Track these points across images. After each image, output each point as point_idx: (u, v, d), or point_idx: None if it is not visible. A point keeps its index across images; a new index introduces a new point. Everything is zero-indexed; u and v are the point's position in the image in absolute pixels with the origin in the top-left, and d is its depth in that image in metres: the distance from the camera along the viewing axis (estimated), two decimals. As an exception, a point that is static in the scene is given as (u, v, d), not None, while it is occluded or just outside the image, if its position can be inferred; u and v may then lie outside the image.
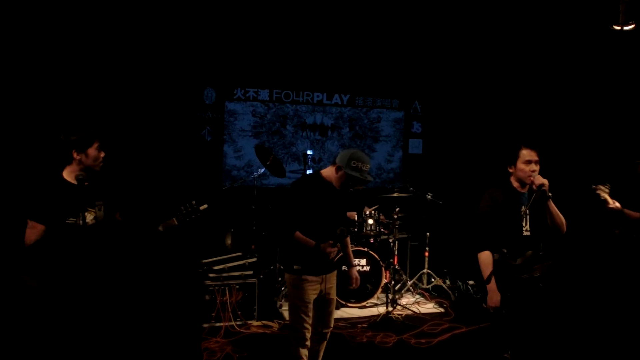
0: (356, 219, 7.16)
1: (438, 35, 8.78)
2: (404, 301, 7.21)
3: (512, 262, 4.01)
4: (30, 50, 6.94)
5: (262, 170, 7.33)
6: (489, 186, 4.34)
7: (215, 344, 5.52)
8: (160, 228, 3.98)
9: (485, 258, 4.07)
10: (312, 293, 4.11)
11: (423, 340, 5.91)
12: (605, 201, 5.27)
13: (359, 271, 6.80)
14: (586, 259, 6.18)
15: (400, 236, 7.61)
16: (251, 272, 6.31)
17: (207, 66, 8.54)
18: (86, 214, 3.75)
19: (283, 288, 6.79)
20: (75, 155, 3.75)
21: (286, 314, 6.37)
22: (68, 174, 3.80)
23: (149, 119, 8.05)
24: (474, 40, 8.74)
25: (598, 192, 5.33)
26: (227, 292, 6.06)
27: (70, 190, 3.75)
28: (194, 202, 4.16)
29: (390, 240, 7.26)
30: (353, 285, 4.53)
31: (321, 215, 4.07)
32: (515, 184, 4.12)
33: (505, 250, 3.85)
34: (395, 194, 7.28)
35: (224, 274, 6.14)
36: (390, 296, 6.83)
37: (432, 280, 7.84)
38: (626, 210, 5.51)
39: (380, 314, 6.64)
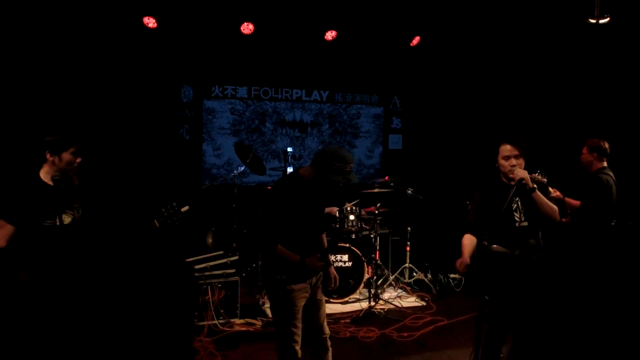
0: (337, 214, 7.17)
1: (416, 31, 8.81)
2: (386, 296, 7.24)
3: (510, 252, 4.04)
4: (9, 50, 6.85)
5: (242, 168, 7.30)
6: (470, 181, 4.38)
7: (198, 343, 5.49)
8: (140, 230, 3.91)
9: (464, 239, 4.14)
10: (301, 301, 3.81)
11: (405, 334, 5.94)
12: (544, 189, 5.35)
13: (341, 267, 6.84)
14: (576, 249, 6.26)
15: (382, 231, 7.63)
16: (233, 271, 6.28)
17: (184, 64, 8.49)
18: (64, 216, 3.69)
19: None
20: (48, 156, 3.70)
21: (269, 312, 6.36)
22: (45, 175, 3.75)
23: (125, 118, 8.00)
24: (452, 36, 8.78)
25: (536, 180, 5.42)
26: (209, 291, 6.02)
27: (46, 191, 3.69)
28: (174, 203, 4.03)
29: (372, 236, 7.27)
30: (332, 285, 4.12)
31: (302, 218, 3.79)
32: (504, 179, 4.16)
33: (485, 243, 3.87)
34: (376, 190, 7.29)
35: (206, 273, 6.10)
36: (373, 291, 6.85)
37: (414, 274, 7.87)
38: (567, 199, 5.61)
39: (363, 308, 6.65)
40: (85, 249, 3.80)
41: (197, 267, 6.10)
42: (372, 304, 6.74)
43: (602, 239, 5.60)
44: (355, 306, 6.87)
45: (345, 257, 7.01)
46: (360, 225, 7.25)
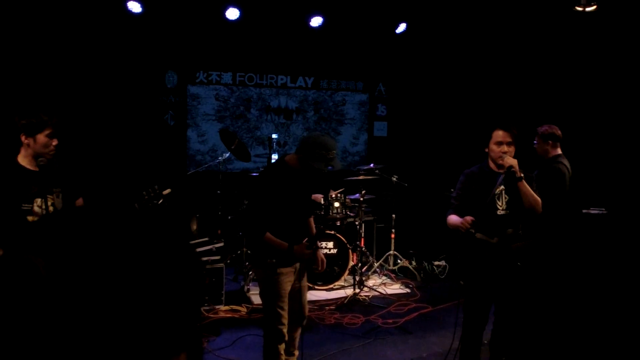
0: (322, 201, 7.16)
1: (402, 18, 8.78)
2: (370, 283, 7.26)
3: (489, 240, 4.05)
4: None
5: (227, 154, 7.26)
6: (455, 168, 4.38)
7: (182, 330, 5.48)
8: (119, 213, 3.83)
9: (451, 218, 4.14)
10: (288, 285, 3.93)
11: (390, 321, 5.97)
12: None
13: (326, 254, 6.83)
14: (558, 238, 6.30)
15: (367, 218, 7.64)
16: (218, 257, 6.25)
17: (168, 49, 8.40)
18: (38, 200, 3.64)
19: (250, 272, 6.76)
20: (23, 139, 3.63)
21: (254, 298, 6.38)
22: (22, 158, 3.69)
23: (109, 104, 7.92)
24: (437, 23, 8.77)
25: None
26: (193, 278, 6.01)
27: (24, 175, 3.64)
28: (156, 186, 3.95)
29: (357, 223, 7.28)
30: (319, 267, 4.25)
31: (289, 205, 3.88)
32: (492, 165, 4.15)
33: (472, 230, 3.87)
34: (361, 177, 7.29)
35: (191, 260, 6.08)
36: (357, 278, 6.87)
37: (398, 261, 7.90)
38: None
39: (348, 295, 6.67)
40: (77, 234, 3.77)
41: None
42: (357, 291, 6.76)
43: (562, 227, 5.62)
44: (340, 293, 6.89)
45: (330, 244, 7.01)
46: (345, 212, 7.25)
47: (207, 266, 6.12)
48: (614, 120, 7.41)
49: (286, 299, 3.94)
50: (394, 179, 7.60)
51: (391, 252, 7.91)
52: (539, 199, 4.00)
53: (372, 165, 7.40)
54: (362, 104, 9.91)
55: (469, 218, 3.86)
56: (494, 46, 8.71)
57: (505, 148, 4.02)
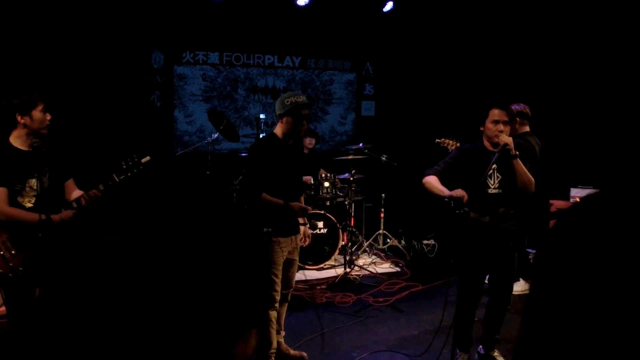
0: (312, 182, 7.15)
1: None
2: (360, 262, 7.29)
3: (480, 218, 4.07)
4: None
5: (216, 135, 7.21)
6: (443, 147, 4.38)
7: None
8: (101, 187, 3.74)
9: (430, 178, 4.16)
10: (282, 254, 4.13)
11: (381, 299, 6.00)
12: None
13: (316, 234, 6.86)
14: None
15: (356, 198, 7.65)
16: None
17: (154, 28, 8.29)
18: (32, 180, 3.62)
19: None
20: (19, 118, 3.62)
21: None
22: (15, 139, 3.67)
23: (95, 85, 7.82)
24: (424, 1, 8.73)
25: (444, 145, 5.45)
26: (184, 259, 6.01)
27: (18, 156, 3.62)
28: (134, 154, 3.82)
29: (346, 202, 7.29)
30: (304, 242, 4.55)
31: (281, 173, 4.09)
32: (486, 143, 4.15)
33: (467, 209, 3.88)
34: (350, 156, 7.28)
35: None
36: (348, 257, 6.89)
37: (388, 240, 7.93)
38: None
39: (339, 275, 6.70)
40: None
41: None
42: (348, 270, 6.78)
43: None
44: (331, 272, 6.92)
45: (320, 224, 7.02)
46: (335, 192, 7.25)
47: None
48: (604, 99, 7.45)
49: (280, 267, 4.14)
50: (383, 158, 7.61)
51: (380, 231, 7.94)
52: (532, 178, 4.01)
53: (361, 144, 7.40)
54: (350, 83, 9.87)
55: (461, 192, 3.87)
56: (482, 24, 8.69)
57: (501, 127, 4.01)
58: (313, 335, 4.99)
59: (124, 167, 3.81)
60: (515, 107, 5.53)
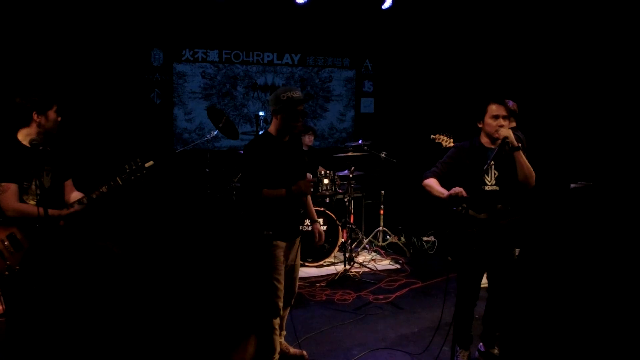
0: (312, 179, 7.14)
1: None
2: (360, 259, 7.30)
3: (476, 215, 4.07)
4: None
5: (215, 132, 7.22)
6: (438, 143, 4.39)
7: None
8: (104, 189, 3.79)
9: (429, 181, 4.16)
10: (283, 259, 4.00)
11: (381, 296, 6.01)
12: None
13: (316, 231, 6.84)
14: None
15: (356, 195, 7.65)
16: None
17: (153, 26, 8.29)
18: (34, 179, 3.64)
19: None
20: (35, 117, 3.66)
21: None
22: (24, 137, 3.68)
23: (95, 82, 7.82)
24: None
25: (439, 140, 5.46)
26: (184, 256, 6.01)
27: (26, 153, 3.64)
28: (138, 159, 3.89)
29: (346, 199, 7.29)
30: (317, 240, 4.39)
31: (280, 172, 3.93)
32: (484, 140, 4.14)
33: (465, 205, 3.87)
34: (349, 153, 7.28)
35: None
36: (347, 254, 6.90)
37: (388, 237, 7.94)
38: None
39: (338, 272, 6.70)
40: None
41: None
42: (347, 267, 6.79)
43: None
44: (331, 270, 6.93)
45: (320, 221, 7.02)
46: (334, 189, 7.25)
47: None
48: (604, 94, 7.45)
49: (282, 272, 3.99)
50: (383, 155, 7.60)
51: (380, 228, 7.94)
52: (533, 171, 4.01)
53: (360, 141, 7.40)
54: (349, 80, 9.87)
55: (458, 189, 3.87)
56: (480, 20, 8.69)
57: (501, 121, 4.01)
58: (312, 333, 5.00)
59: (128, 170, 3.87)
60: None
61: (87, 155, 7.38)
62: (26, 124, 3.67)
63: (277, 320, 4.04)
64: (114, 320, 3.76)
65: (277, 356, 4.11)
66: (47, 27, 7.36)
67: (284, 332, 4.50)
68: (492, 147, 4.07)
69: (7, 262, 3.50)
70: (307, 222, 6.92)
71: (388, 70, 9.98)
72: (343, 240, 7.07)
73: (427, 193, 4.17)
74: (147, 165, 3.91)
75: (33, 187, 3.64)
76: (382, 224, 7.93)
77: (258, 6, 8.56)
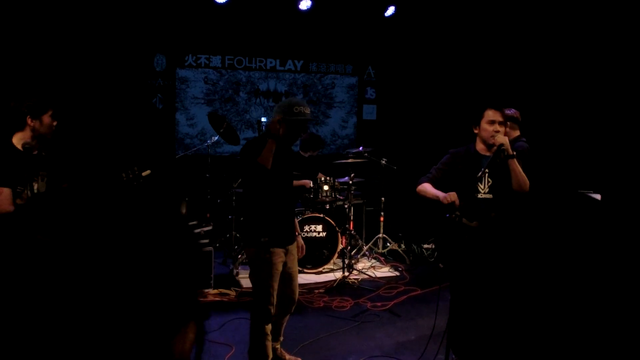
0: (311, 185, 7.15)
1: (390, 1, 8.75)
2: (360, 266, 7.29)
3: (468, 223, 4.06)
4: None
5: (216, 138, 7.24)
6: (443, 151, 4.38)
7: (172, 314, 5.49)
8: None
9: (423, 186, 4.16)
10: (279, 265, 4.00)
11: (379, 304, 6.00)
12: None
13: (315, 237, 6.88)
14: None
15: (356, 202, 7.64)
16: (207, 241, 6.26)
17: (156, 31, 8.32)
18: (34, 183, 3.66)
19: (239, 256, 6.78)
20: (29, 121, 3.68)
21: (243, 282, 6.39)
22: (18, 141, 3.70)
23: (97, 87, 7.85)
24: (427, 5, 8.74)
25: None
26: (182, 261, 5.99)
27: (20, 157, 3.66)
28: (135, 167, 3.94)
29: (346, 206, 7.29)
30: (299, 254, 4.36)
31: (276, 173, 3.93)
32: (479, 146, 4.13)
33: (458, 213, 3.86)
34: (350, 160, 7.28)
35: (179, 243, 6.05)
36: (347, 261, 6.90)
37: (388, 244, 7.93)
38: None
39: (337, 278, 6.69)
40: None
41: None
42: (346, 274, 6.78)
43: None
44: (329, 276, 6.92)
45: (319, 228, 7.03)
46: (334, 195, 7.24)
47: (196, 250, 6.11)
48: (606, 103, 7.43)
49: (277, 279, 4.00)
50: (383, 162, 7.61)
51: (380, 235, 7.93)
52: (527, 179, 4.00)
53: (361, 148, 7.40)
54: (351, 87, 9.89)
55: (454, 196, 3.87)
56: (483, 29, 8.69)
57: (497, 127, 4.00)
58: (309, 340, 4.99)
59: (125, 179, 3.89)
60: (506, 112, 5.54)
61: (88, 160, 7.41)
62: (20, 128, 3.70)
63: (269, 327, 4.05)
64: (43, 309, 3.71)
65: None
66: (50, 31, 7.41)
67: (281, 338, 4.49)
68: (487, 154, 4.06)
69: None
70: (306, 228, 6.96)
71: (391, 77, 9.99)
72: (342, 246, 7.06)
73: (422, 198, 4.17)
74: (144, 174, 3.96)
75: (29, 192, 3.66)
76: (382, 230, 7.93)
77: (261, 12, 8.59)
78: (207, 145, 7.38)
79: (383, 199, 7.88)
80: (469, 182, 3.98)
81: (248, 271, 4.14)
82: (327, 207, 7.30)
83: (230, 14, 8.45)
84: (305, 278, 6.80)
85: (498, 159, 3.95)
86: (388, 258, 7.80)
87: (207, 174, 7.39)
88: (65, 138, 5.13)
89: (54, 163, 3.92)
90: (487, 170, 4.01)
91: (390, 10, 8.83)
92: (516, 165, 3.95)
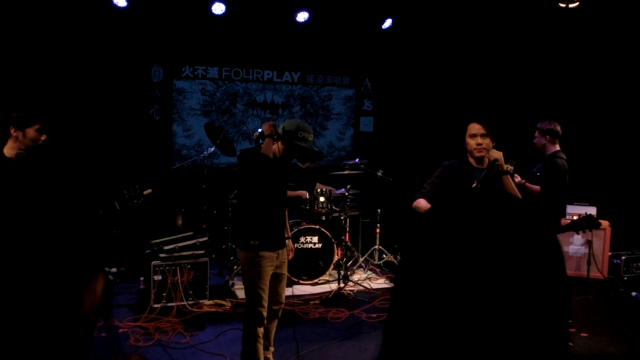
0: (307, 196, 7.15)
1: (388, 13, 8.79)
2: (355, 277, 7.28)
3: None
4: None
5: (212, 149, 7.25)
6: (440, 163, 4.39)
7: (167, 324, 5.47)
8: (101, 213, 3.87)
9: (418, 202, 4.18)
10: (269, 269, 4.08)
11: (374, 315, 5.98)
12: (511, 176, 5.46)
13: (311, 249, 6.87)
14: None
15: (352, 213, 7.65)
16: (202, 252, 6.25)
17: (154, 43, 8.36)
18: None
19: (235, 267, 6.77)
20: (12, 132, 3.69)
21: (239, 293, 6.37)
22: (8, 150, 3.72)
23: (94, 98, 7.87)
24: (423, 18, 8.79)
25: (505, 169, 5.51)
26: (178, 272, 6.00)
27: (8, 167, 3.67)
28: (137, 186, 4.05)
29: (342, 218, 7.28)
30: (288, 256, 4.45)
31: (269, 187, 4.08)
32: (471, 159, 4.14)
33: None
34: (346, 172, 7.29)
35: (175, 254, 6.06)
36: (342, 272, 6.89)
37: (384, 256, 7.93)
38: (527, 184, 5.69)
39: (332, 290, 6.69)
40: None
41: (166, 247, 6.06)
42: (342, 285, 6.77)
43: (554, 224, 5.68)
44: (325, 287, 6.91)
45: (315, 239, 7.02)
46: (331, 207, 7.25)
47: (191, 260, 6.11)
48: (595, 114, 7.48)
49: (267, 282, 4.09)
50: (379, 173, 7.62)
51: (376, 246, 7.93)
52: (520, 195, 4.01)
53: (357, 160, 7.41)
54: (348, 99, 9.92)
55: None
56: (480, 41, 8.74)
57: (479, 140, 3.99)
58: (304, 352, 4.97)
59: (126, 196, 3.98)
60: (544, 123, 5.65)
61: (85, 171, 7.42)
62: (9, 136, 3.73)
63: (261, 329, 4.10)
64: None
65: None
66: (48, 42, 7.44)
67: (272, 348, 4.48)
68: (479, 166, 4.07)
69: None
70: (302, 239, 6.96)
71: (387, 89, 10.04)
72: (338, 258, 7.06)
73: (418, 214, 4.17)
74: (145, 192, 4.08)
75: None
76: (378, 242, 7.93)
77: (258, 24, 8.63)
78: (204, 156, 7.39)
79: (379, 210, 7.88)
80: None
81: (241, 270, 4.25)
82: (323, 219, 7.30)
83: (227, 26, 8.49)
84: (301, 289, 6.79)
85: (492, 172, 3.94)
86: (384, 270, 7.78)
87: (204, 185, 7.39)
88: (61, 148, 5.15)
89: (47, 173, 3.93)
90: (479, 185, 4.01)
91: (388, 23, 8.88)
92: (509, 181, 3.95)
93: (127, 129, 8.21)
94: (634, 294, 6.26)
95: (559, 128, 5.65)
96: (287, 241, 4.44)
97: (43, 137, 3.81)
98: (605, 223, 7.17)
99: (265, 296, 4.08)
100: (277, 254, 4.19)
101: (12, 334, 3.44)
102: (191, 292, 6.07)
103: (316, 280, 7.03)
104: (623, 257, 7.37)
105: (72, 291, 3.76)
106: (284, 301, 4.42)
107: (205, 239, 6.48)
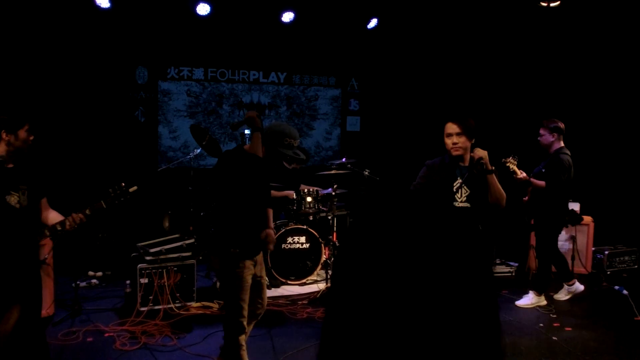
0: (294, 197, 7.15)
1: (373, 13, 8.81)
2: (343, 277, 7.26)
3: None
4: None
5: (199, 150, 7.23)
6: (425, 161, 4.43)
7: (154, 327, 5.45)
8: (88, 212, 3.85)
9: None
10: (249, 278, 3.99)
11: (362, 314, 5.98)
12: (514, 172, 5.57)
13: (298, 249, 6.87)
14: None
15: (339, 213, 7.64)
16: (189, 254, 6.23)
17: (138, 44, 8.32)
18: (9, 197, 3.63)
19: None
20: (4, 135, 3.66)
21: (226, 294, 6.35)
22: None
23: (78, 100, 7.84)
24: (409, 18, 8.81)
25: (508, 164, 5.59)
26: (164, 275, 5.97)
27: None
28: (123, 184, 3.99)
29: (329, 217, 7.28)
30: (270, 247, 4.36)
31: (250, 187, 3.99)
32: (452, 157, 4.18)
33: None
34: (333, 171, 7.29)
35: (162, 257, 6.02)
36: (330, 272, 6.89)
37: (371, 255, 7.91)
38: (533, 180, 5.77)
39: (320, 290, 6.69)
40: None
41: (152, 250, 6.03)
42: (330, 285, 6.76)
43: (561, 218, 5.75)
44: (313, 287, 6.91)
45: (303, 239, 7.02)
46: (318, 206, 7.24)
47: (178, 263, 6.09)
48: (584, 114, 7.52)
49: (247, 291, 3.98)
50: (366, 173, 7.61)
51: (364, 246, 7.91)
52: (504, 193, 4.04)
53: (344, 159, 7.41)
54: (335, 99, 9.93)
55: None
56: (465, 41, 8.78)
57: (455, 139, 4.05)
58: (292, 352, 4.97)
59: (112, 194, 3.95)
60: (552, 123, 5.79)
61: (69, 174, 7.39)
62: None
63: (244, 337, 4.04)
64: None
65: None
66: (32, 44, 7.39)
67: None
68: (462, 164, 4.11)
69: None
70: (290, 239, 6.96)
71: (374, 89, 10.05)
72: (326, 257, 7.06)
73: None
74: (131, 190, 4.02)
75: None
76: (365, 241, 7.91)
77: (244, 25, 8.61)
78: (190, 157, 7.37)
79: (366, 209, 7.86)
80: (445, 193, 4.02)
81: (219, 280, 4.15)
82: (311, 219, 7.30)
83: (212, 26, 8.47)
84: (289, 289, 6.80)
85: (475, 170, 3.98)
86: (372, 269, 7.78)
87: (190, 186, 7.37)
88: (47, 151, 5.12)
89: (34, 177, 3.90)
90: (461, 181, 4.05)
91: (373, 23, 8.90)
92: (494, 180, 3.99)
93: (112, 131, 8.18)
94: (617, 287, 6.33)
95: (563, 125, 5.81)
96: (268, 231, 4.28)
97: (32, 138, 3.80)
98: (588, 219, 7.25)
99: (246, 306, 3.97)
100: (255, 260, 4.10)
101: None
102: (178, 294, 6.04)
103: (304, 281, 7.03)
104: (606, 252, 7.47)
105: None
106: (265, 305, 4.34)
107: (192, 241, 6.46)
